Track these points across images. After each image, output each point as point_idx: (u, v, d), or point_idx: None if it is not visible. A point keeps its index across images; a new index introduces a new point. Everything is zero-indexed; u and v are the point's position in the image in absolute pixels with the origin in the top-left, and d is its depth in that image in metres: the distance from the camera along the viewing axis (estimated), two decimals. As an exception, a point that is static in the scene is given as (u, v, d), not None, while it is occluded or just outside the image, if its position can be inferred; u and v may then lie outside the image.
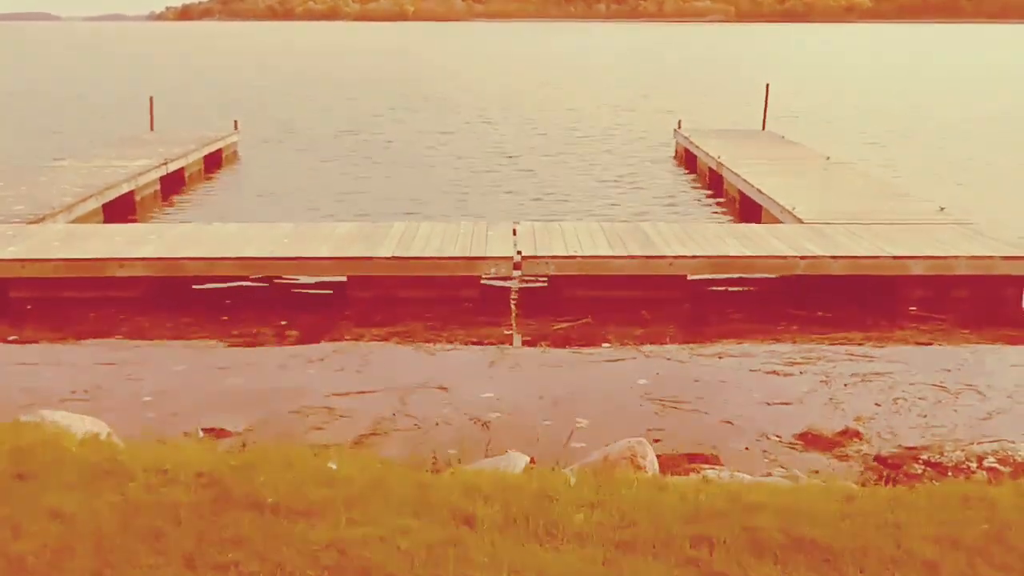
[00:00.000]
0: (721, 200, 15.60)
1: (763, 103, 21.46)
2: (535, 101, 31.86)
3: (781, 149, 18.02)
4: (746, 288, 10.20)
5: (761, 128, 21.41)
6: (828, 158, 17.01)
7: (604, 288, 10.11)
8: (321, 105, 31.92)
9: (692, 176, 18.20)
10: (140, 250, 10.28)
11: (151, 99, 21.45)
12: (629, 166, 19.27)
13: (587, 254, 10.13)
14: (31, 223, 11.79)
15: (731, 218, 14.57)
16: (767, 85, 21.61)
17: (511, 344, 8.86)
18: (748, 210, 14.48)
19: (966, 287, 10.14)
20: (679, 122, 21.50)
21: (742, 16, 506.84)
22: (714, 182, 16.84)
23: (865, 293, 10.13)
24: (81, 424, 5.38)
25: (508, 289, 10.23)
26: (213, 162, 19.20)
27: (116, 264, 9.99)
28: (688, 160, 19.47)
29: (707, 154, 17.67)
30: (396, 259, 10.04)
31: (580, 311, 9.71)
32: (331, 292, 10.20)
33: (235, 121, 21.56)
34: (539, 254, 10.13)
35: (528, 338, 9.03)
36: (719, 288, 10.18)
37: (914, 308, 9.86)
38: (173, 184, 16.83)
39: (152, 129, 21.20)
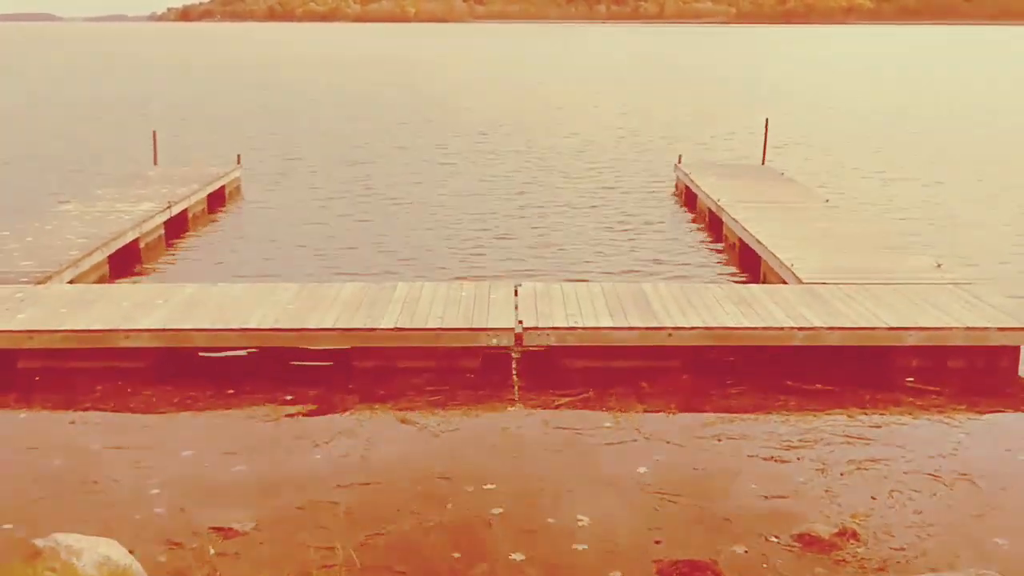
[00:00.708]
0: (720, 248, 15.70)
1: (763, 136, 21.61)
2: (538, 125, 31.88)
3: (780, 189, 18.15)
4: (744, 358, 10.30)
5: (761, 162, 21.56)
6: (827, 200, 17.15)
7: (604, 358, 10.25)
8: (322, 129, 32.02)
9: (692, 216, 18.31)
10: (146, 317, 10.42)
11: (154, 133, 21.63)
12: (630, 205, 19.37)
13: (588, 325, 10.26)
14: (38, 283, 11.94)
15: (732, 269, 14.66)
16: (766, 120, 21.76)
17: (513, 423, 9.00)
18: (748, 259, 14.64)
19: (962, 357, 10.28)
20: (679, 157, 21.64)
21: (742, 17, 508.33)
22: (714, 225, 16.97)
23: (862, 363, 10.28)
24: (95, 549, 5.51)
25: (510, 360, 10.35)
26: (216, 201, 19.34)
27: (122, 335, 10.13)
28: (688, 198, 19.61)
29: (707, 195, 17.81)
30: (398, 330, 10.17)
31: (581, 383, 9.86)
32: (335, 362, 10.32)
33: (237, 156, 21.70)
34: (540, 324, 10.26)
35: (530, 416, 9.17)
36: (718, 359, 10.29)
37: (910, 379, 10.00)
38: (177, 227, 16.97)
39: (156, 163, 21.36)
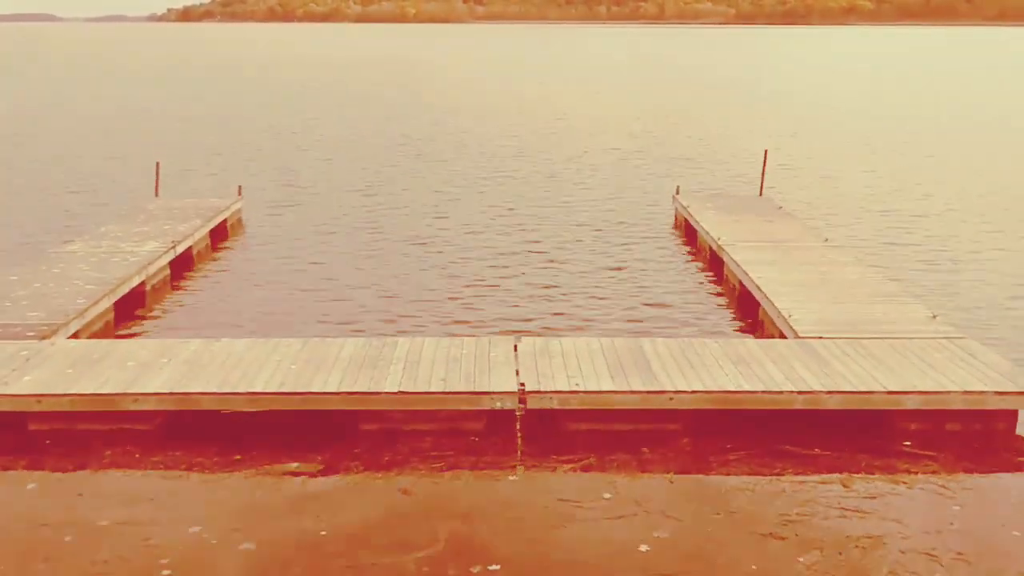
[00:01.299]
0: (721, 292, 15.83)
1: (762, 166, 21.77)
2: (539, 145, 31.95)
3: (779, 226, 18.29)
4: (744, 421, 10.44)
5: (759, 193, 21.72)
6: (826, 239, 17.30)
7: (606, 421, 10.40)
8: (323, 148, 32.13)
9: (693, 254, 18.42)
10: (153, 378, 10.57)
11: (157, 165, 21.76)
12: (631, 239, 19.48)
13: (589, 388, 10.40)
14: (44, 337, 12.08)
15: (732, 313, 14.79)
16: (765, 151, 21.91)
17: (515, 494, 9.13)
18: (747, 304, 14.79)
19: (959, 421, 10.43)
20: (677, 188, 21.79)
21: (742, 18, 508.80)
22: (714, 264, 17.13)
23: (860, 426, 10.41)
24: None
25: (513, 421, 10.48)
26: (219, 235, 19.49)
27: (130, 398, 10.27)
28: (688, 233, 19.75)
29: (707, 232, 17.96)
30: (402, 394, 10.32)
31: (583, 447, 10.01)
32: (340, 424, 10.45)
33: (239, 187, 21.85)
34: (542, 387, 10.41)
35: (532, 484, 9.31)
36: (718, 422, 10.42)
37: (908, 443, 10.14)
38: (182, 266, 17.12)
39: (157, 194, 21.51)
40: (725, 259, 16.43)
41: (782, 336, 12.80)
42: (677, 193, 21.51)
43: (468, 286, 16.01)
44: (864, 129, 41.06)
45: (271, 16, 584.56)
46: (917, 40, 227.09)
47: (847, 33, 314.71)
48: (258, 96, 54.83)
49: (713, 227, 18.13)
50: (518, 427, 10.47)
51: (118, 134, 37.15)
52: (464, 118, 42.96)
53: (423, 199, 23.62)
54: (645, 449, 9.99)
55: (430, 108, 48.66)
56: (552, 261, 17.31)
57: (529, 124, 40.43)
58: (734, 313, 14.78)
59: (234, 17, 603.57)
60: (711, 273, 16.86)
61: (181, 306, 15.07)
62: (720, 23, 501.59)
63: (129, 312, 14.56)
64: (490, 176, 26.93)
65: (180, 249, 17.14)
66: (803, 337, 12.07)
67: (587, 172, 27.41)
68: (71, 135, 36.79)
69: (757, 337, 13.44)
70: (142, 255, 16.09)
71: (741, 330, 14.02)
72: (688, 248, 18.87)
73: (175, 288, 16.12)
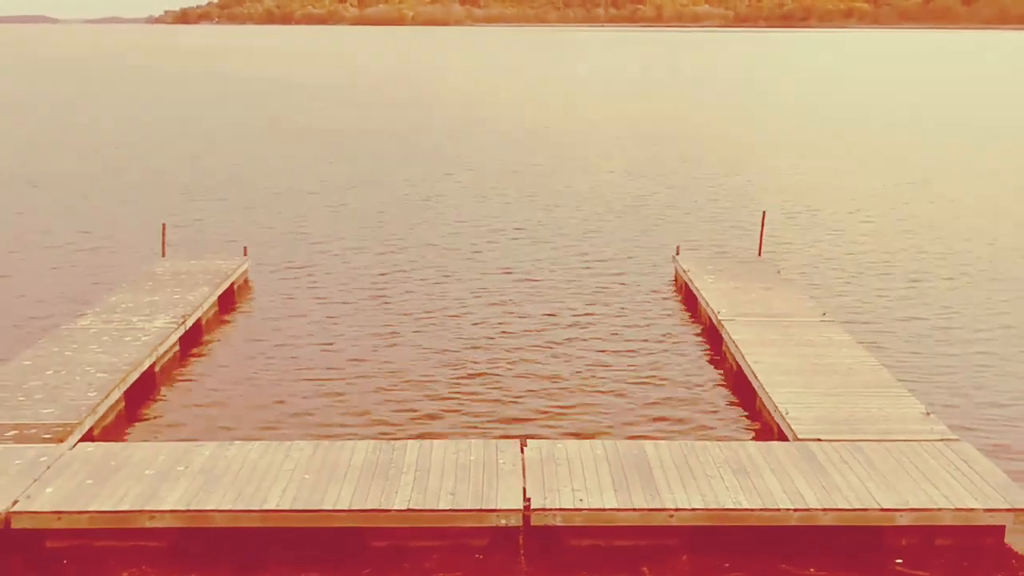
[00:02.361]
0: (721, 373, 16.12)
1: (760, 227, 22.10)
2: (539, 192, 31.90)
3: (777, 296, 18.61)
4: (742, 536, 10.74)
5: (758, 253, 22.04)
6: (824, 313, 17.62)
7: (607, 538, 10.71)
8: (327, 195, 32.32)
9: (693, 322, 18.71)
10: (168, 493, 10.87)
11: (163, 226, 22.07)
12: (631, 306, 19.75)
13: (592, 505, 10.71)
14: (60, 440, 12.39)
15: (733, 399, 15.07)
16: (763, 213, 22.24)
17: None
18: (746, 392, 15.11)
19: (949, 536, 10.75)
20: (677, 248, 22.11)
21: (740, 20, 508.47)
22: (714, 340, 17.44)
23: (853, 542, 10.73)
24: None
25: (518, 537, 10.78)
26: (227, 302, 19.78)
27: (147, 516, 10.58)
28: (688, 299, 20.06)
29: (707, 302, 18.29)
30: (410, 511, 10.62)
31: (584, 564, 10.32)
32: (350, 539, 10.74)
33: (244, 248, 22.15)
34: (547, 504, 10.71)
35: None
36: (716, 537, 10.72)
37: (899, 561, 10.46)
38: (191, 340, 17.42)
39: (164, 255, 21.81)
40: (724, 336, 16.75)
41: (780, 433, 13.12)
42: (677, 253, 21.82)
43: (474, 375, 15.76)
44: (864, 157, 41.42)
45: (269, 18, 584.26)
46: (915, 46, 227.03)
47: (845, 37, 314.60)
48: (262, 127, 55.09)
49: (713, 297, 18.45)
50: (521, 543, 10.78)
51: (122, 173, 37.42)
52: (466, 153, 43.28)
53: (427, 255, 23.71)
54: (645, 569, 10.31)
55: (433, 136, 49.00)
56: (555, 343, 17.34)
57: (530, 161, 40.65)
58: (734, 402, 14.96)
59: (232, 19, 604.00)
60: (711, 350, 17.13)
61: (192, 394, 15.23)
62: (718, 26, 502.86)
63: (142, 399, 14.85)
64: (491, 228, 27.00)
65: (189, 323, 17.44)
66: (801, 439, 12.39)
67: (588, 227, 27.24)
68: (77, 175, 37.09)
69: (756, 432, 13.75)
70: (152, 333, 16.39)
71: (741, 421, 14.25)
72: (689, 316, 19.08)
73: (185, 368, 16.35)
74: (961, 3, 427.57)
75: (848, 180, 35.12)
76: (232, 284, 20.49)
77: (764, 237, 22.29)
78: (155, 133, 49.87)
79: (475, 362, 16.39)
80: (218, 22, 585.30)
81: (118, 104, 64.95)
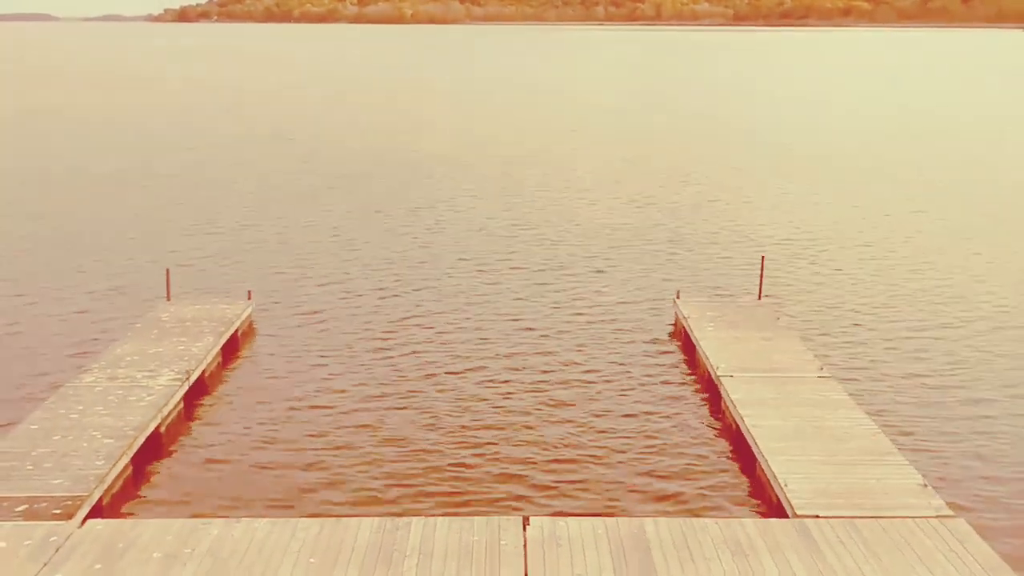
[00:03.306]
0: (720, 434, 16.29)
1: (759, 270, 22.31)
2: (540, 229, 31.61)
3: (776, 347, 18.79)
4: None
5: (758, 297, 22.22)
6: (821, 368, 17.80)
7: (609, 625, 10.91)
8: (330, 230, 32.44)
9: (692, 376, 18.85)
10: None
11: (167, 271, 22.24)
12: (630, 357, 19.90)
13: (593, 592, 10.91)
14: (70, 515, 12.57)
15: (731, 467, 15.24)
16: (762, 258, 22.43)
17: None
18: (744, 452, 15.31)
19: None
20: (678, 292, 22.29)
21: (739, 19, 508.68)
22: (713, 395, 17.63)
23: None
24: None
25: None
26: (231, 352, 19.94)
27: (157, 608, 10.76)
28: (687, 348, 20.23)
29: (706, 356, 18.47)
30: (415, 601, 10.81)
31: (587, 652, 10.48)
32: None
33: (248, 292, 22.31)
34: (548, 590, 10.91)
35: None
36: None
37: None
38: (196, 395, 17.61)
39: (169, 299, 21.98)
40: (723, 394, 16.94)
41: (779, 505, 13.32)
42: (678, 297, 22.01)
43: (476, 444, 15.75)
44: (867, 180, 41.60)
45: (268, 16, 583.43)
46: (913, 46, 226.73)
47: (844, 37, 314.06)
48: (263, 151, 55.17)
49: (712, 349, 18.65)
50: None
51: (124, 206, 37.54)
52: (466, 175, 43.41)
53: (428, 298, 23.75)
54: (647, 657, 10.48)
55: (433, 161, 49.12)
56: (555, 405, 17.37)
57: (535, 187, 40.70)
58: (733, 470, 15.06)
59: (231, 17, 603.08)
60: (710, 408, 17.26)
61: (198, 461, 15.30)
62: (718, 24, 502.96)
63: (149, 465, 15.02)
64: (495, 263, 27.00)
65: (193, 378, 17.62)
66: (800, 515, 12.57)
67: (597, 259, 27.46)
68: (80, 204, 37.22)
69: (755, 506, 13.93)
70: (156, 391, 16.57)
71: (741, 491, 14.35)
72: (688, 371, 19.12)
73: (190, 430, 16.47)
74: (959, 2, 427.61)
75: (851, 212, 35.15)
76: (236, 331, 20.67)
77: (764, 278, 22.46)
78: (155, 161, 50.04)
79: (476, 428, 16.35)
80: (217, 20, 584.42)
81: (110, 134, 64.98)
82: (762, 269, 22.21)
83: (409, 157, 47.72)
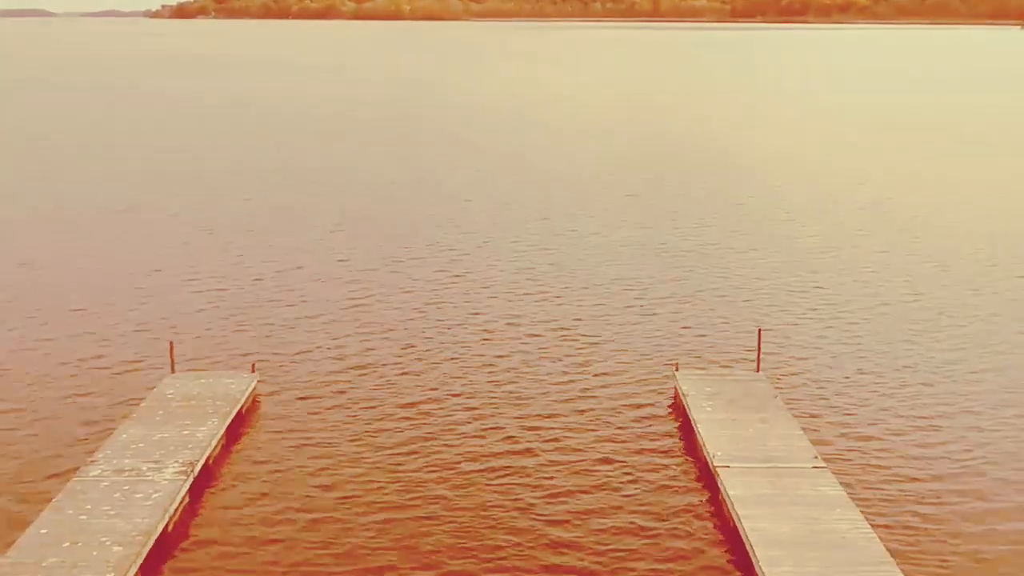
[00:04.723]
0: (717, 531, 16.55)
1: (757, 344, 22.59)
2: (544, 286, 31.07)
3: (772, 434, 19.06)
4: None
5: (756, 369, 22.49)
6: (816, 456, 18.08)
7: None
8: (328, 291, 32.51)
9: (690, 462, 19.07)
10: None
11: (171, 344, 22.49)
12: (627, 432, 20.17)
13: None
14: (80, 638, 12.86)
15: (728, 568, 15.52)
16: (759, 330, 22.70)
17: None
18: (740, 554, 15.59)
19: None
20: (676, 365, 22.56)
21: (737, 14, 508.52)
22: (710, 485, 17.89)
23: None
24: None
25: None
26: (235, 432, 20.19)
27: None
28: (685, 425, 20.49)
29: (704, 442, 18.75)
30: None
31: None
32: None
33: (252, 364, 22.56)
34: None
35: None
36: None
37: None
38: (201, 485, 17.87)
39: (173, 371, 22.25)
40: (720, 486, 17.21)
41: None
42: (677, 369, 22.28)
43: (476, 549, 15.87)
44: (867, 229, 41.78)
45: (266, 13, 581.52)
46: (912, 44, 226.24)
47: (842, 36, 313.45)
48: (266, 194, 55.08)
49: (710, 434, 18.96)
50: None
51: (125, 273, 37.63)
52: (461, 263, 43.33)
53: (430, 372, 23.70)
54: None
55: (435, 210, 49.21)
56: (558, 495, 17.61)
57: (538, 243, 40.63)
58: (731, 559, 15.42)
59: (229, 14, 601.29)
60: (708, 502, 17.48)
61: (204, 564, 15.55)
62: (716, 20, 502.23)
63: (157, 565, 15.30)
64: (496, 327, 27.08)
65: (197, 469, 17.87)
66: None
67: (598, 323, 27.36)
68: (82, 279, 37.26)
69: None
70: (162, 487, 16.84)
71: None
72: (686, 457, 19.24)
73: (196, 528, 16.67)
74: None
75: (852, 275, 35.27)
76: (241, 408, 20.90)
77: (762, 348, 22.76)
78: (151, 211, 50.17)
79: (476, 530, 16.52)
80: (215, 17, 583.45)
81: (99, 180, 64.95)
82: (759, 342, 22.48)
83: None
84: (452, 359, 24.69)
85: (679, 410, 21.35)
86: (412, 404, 21.81)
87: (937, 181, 51.84)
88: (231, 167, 56.12)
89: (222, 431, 19.63)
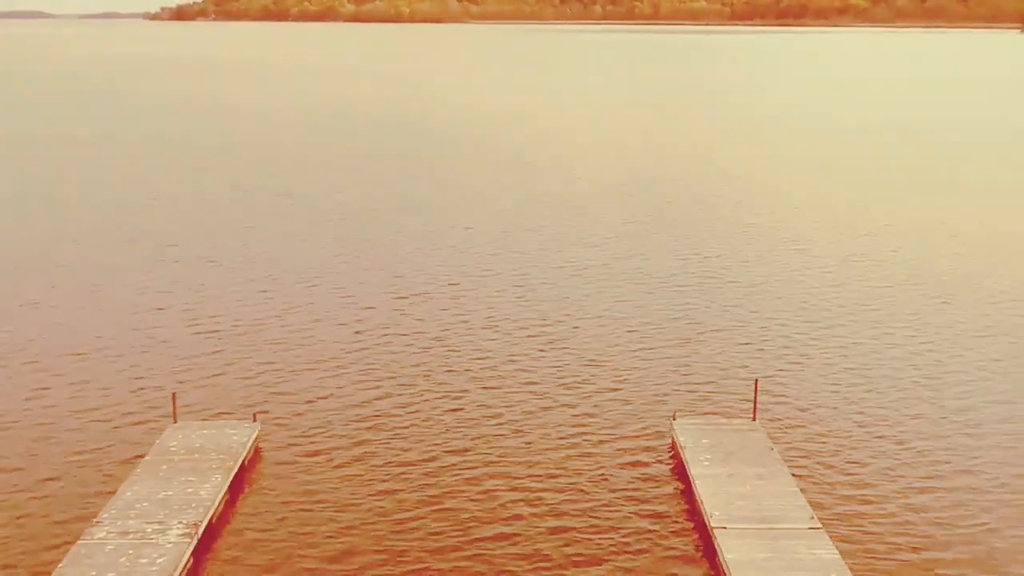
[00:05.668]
0: (714, 580, 16.78)
1: (754, 395, 22.85)
2: (541, 331, 30.62)
3: (769, 492, 19.27)
4: None
5: (752, 418, 22.72)
6: (813, 517, 18.30)
7: None
8: (328, 336, 32.59)
9: (687, 521, 19.25)
10: None
11: (173, 395, 22.70)
12: (623, 486, 20.37)
13: None
14: None
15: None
16: (756, 381, 22.93)
17: None
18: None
19: None
20: (674, 414, 22.78)
21: (737, 16, 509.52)
22: (707, 545, 18.10)
23: None
24: None
25: None
26: (238, 486, 20.38)
27: None
28: (683, 480, 20.68)
29: (701, 500, 18.96)
30: None
31: None
32: None
33: (254, 414, 22.78)
34: None
35: None
36: None
37: None
38: (206, 544, 18.08)
39: (175, 420, 22.46)
40: (717, 548, 17.43)
41: None
42: (674, 418, 22.50)
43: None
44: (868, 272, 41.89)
45: (265, 15, 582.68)
46: (910, 49, 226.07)
47: (840, 40, 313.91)
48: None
49: (707, 492, 19.17)
50: None
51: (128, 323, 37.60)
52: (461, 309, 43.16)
53: (431, 429, 23.63)
54: None
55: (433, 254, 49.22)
56: (549, 560, 17.96)
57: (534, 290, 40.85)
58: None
59: (228, 16, 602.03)
60: (705, 564, 17.69)
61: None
62: (715, 23, 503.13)
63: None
64: (494, 376, 26.94)
65: (201, 530, 18.06)
66: None
67: (596, 375, 27.04)
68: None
69: None
70: (167, 551, 17.05)
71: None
72: (683, 515, 19.44)
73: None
74: (957, 1, 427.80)
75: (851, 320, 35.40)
76: (244, 460, 21.10)
77: (759, 395, 23.02)
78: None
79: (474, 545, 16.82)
80: (214, 19, 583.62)
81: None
82: (756, 392, 22.72)
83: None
84: (453, 410, 24.65)
85: (677, 462, 21.54)
86: (414, 468, 21.82)
87: (938, 216, 51.94)
88: (231, 189, 56.32)
89: (225, 488, 19.81)
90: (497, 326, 31.32)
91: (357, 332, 30.66)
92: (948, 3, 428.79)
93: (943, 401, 25.28)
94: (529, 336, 30.41)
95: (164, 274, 37.11)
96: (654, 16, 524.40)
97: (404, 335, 30.40)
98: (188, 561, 17.44)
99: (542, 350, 29.09)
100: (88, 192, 54.65)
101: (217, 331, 30.59)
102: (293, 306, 33.19)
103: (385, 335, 30.35)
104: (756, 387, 22.81)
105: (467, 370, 27.39)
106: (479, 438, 22.94)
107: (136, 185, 56.94)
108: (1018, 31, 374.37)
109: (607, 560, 17.84)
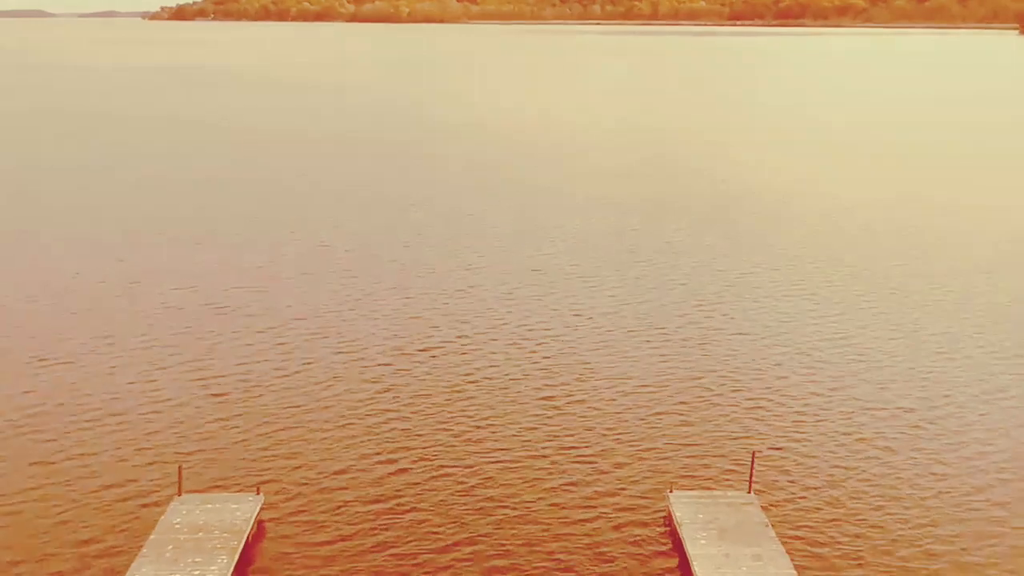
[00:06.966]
0: None
1: (750, 466, 23.15)
2: (540, 389, 30.73)
3: (767, 572, 19.60)
4: None
5: (748, 490, 23.03)
6: (808, 599, 18.66)
7: None
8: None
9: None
10: None
11: (179, 467, 22.99)
12: (618, 560, 20.69)
13: None
14: None
15: None
16: (753, 453, 23.24)
17: None
18: None
19: None
20: (671, 487, 23.10)
21: (736, 16, 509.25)
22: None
23: None
24: None
25: None
26: (243, 571, 20.70)
27: None
28: (679, 552, 21.00)
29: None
30: None
31: None
32: None
33: (257, 487, 23.08)
34: None
35: None
36: None
37: None
38: (210, 635, 18.40)
39: (180, 493, 22.76)
40: (714, 640, 17.79)
41: None
42: (671, 491, 22.81)
43: None
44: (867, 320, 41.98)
45: (264, 15, 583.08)
46: (910, 50, 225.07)
47: (840, 41, 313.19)
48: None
49: (704, 573, 19.51)
50: None
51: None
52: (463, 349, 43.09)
53: (433, 494, 23.92)
54: None
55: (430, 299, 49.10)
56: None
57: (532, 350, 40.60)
58: None
59: (228, 16, 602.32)
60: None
61: None
62: (714, 23, 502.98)
63: None
64: (493, 444, 26.92)
65: (208, 621, 18.43)
66: None
67: (593, 444, 26.89)
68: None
69: None
70: (174, 644, 17.40)
71: None
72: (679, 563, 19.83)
73: None
74: (956, 2, 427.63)
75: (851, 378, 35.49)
76: (248, 537, 21.41)
77: (755, 467, 23.32)
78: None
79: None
80: (214, 18, 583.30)
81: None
82: (752, 466, 23.04)
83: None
84: (456, 493, 24.25)
85: (674, 539, 21.84)
86: (416, 534, 22.26)
87: (949, 278, 52.10)
88: (230, 218, 56.53)
89: (230, 572, 20.13)
90: (496, 391, 30.77)
91: (358, 395, 30.39)
92: (947, 3, 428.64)
93: (947, 473, 25.18)
94: (536, 399, 30.08)
95: (168, 324, 37.33)
96: (653, 16, 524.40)
97: (407, 397, 30.23)
98: (195, 653, 17.80)
99: (540, 416, 28.77)
100: (87, 227, 54.88)
101: (218, 398, 29.99)
102: (294, 366, 32.94)
103: (383, 395, 30.22)
104: (752, 460, 23.13)
105: (466, 443, 26.99)
106: (471, 516, 22.95)
107: (146, 220, 57.20)
108: (1016, 32, 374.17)
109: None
